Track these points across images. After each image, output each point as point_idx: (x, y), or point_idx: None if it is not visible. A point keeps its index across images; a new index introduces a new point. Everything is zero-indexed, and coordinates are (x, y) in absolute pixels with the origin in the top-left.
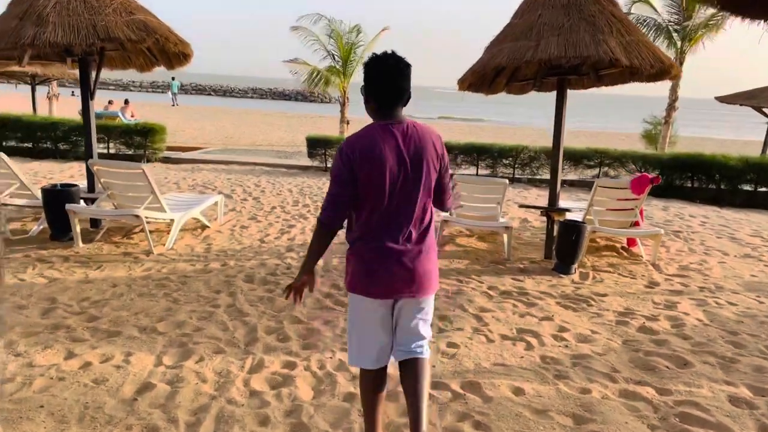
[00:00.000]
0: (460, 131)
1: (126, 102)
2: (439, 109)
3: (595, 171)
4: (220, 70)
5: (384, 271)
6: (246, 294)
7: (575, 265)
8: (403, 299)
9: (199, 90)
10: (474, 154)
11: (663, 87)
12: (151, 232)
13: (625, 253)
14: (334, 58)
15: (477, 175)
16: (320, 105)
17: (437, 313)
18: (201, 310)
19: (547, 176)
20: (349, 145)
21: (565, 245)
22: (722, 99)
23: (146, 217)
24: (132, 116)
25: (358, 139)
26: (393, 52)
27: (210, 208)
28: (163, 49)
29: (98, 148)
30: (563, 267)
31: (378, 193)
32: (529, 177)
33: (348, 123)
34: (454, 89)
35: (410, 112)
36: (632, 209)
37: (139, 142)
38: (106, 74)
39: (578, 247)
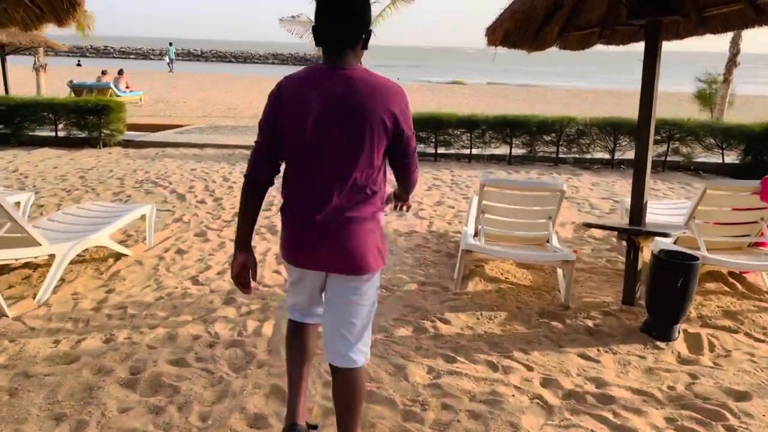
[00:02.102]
0: (474, 96)
1: (120, 72)
2: (453, 72)
3: (662, 147)
4: (245, 36)
5: (307, 242)
6: (107, 424)
7: (679, 325)
8: (330, 276)
9: (220, 57)
10: (507, 129)
11: (708, 41)
12: (36, 267)
13: (738, 285)
14: None
15: (510, 156)
16: None
17: None
18: None
19: (601, 155)
20: (278, 87)
21: (663, 294)
22: None
23: None
24: (127, 88)
25: (288, 81)
26: None
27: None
28: None
29: (45, 131)
30: (661, 329)
31: (300, 148)
32: (577, 157)
33: None
34: (480, 49)
35: (418, 76)
36: (755, 222)
37: (92, 122)
38: (123, 41)
39: (686, 297)
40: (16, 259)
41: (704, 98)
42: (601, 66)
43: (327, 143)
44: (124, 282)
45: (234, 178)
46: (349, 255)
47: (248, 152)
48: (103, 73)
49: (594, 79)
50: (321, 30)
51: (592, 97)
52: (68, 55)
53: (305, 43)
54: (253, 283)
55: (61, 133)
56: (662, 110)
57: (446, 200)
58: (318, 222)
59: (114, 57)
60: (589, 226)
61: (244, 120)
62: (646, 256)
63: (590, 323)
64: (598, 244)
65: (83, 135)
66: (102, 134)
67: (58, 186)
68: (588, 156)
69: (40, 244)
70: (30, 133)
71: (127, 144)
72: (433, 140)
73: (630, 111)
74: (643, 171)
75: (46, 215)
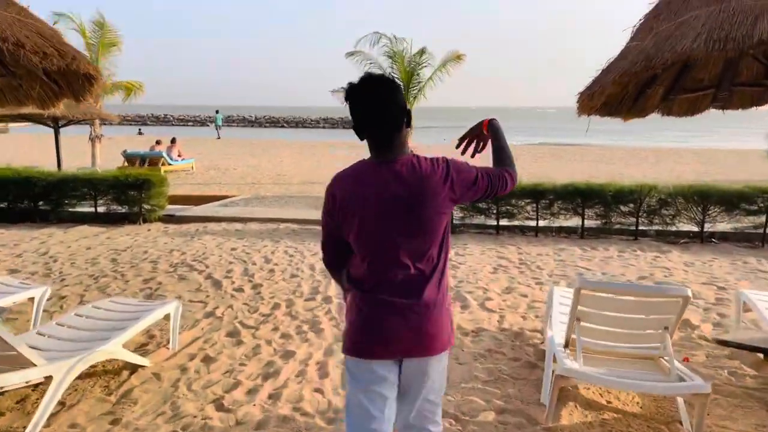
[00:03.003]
0: (526, 155)
1: (173, 141)
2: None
3: (759, 218)
4: (295, 102)
5: (380, 327)
6: None
7: None
8: (407, 361)
9: (273, 122)
10: (578, 198)
11: None
12: (37, 385)
13: None
14: None
15: (582, 229)
16: None
17: None
18: None
19: (687, 227)
20: (332, 187)
21: None
22: None
23: None
24: (179, 156)
25: (341, 180)
26: (370, 75)
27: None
28: (63, 72)
29: (85, 206)
30: None
31: (365, 241)
32: (659, 229)
33: (412, 152)
34: (524, 108)
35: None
36: None
37: (132, 197)
38: (181, 109)
39: None
40: (2, 388)
41: None
42: (646, 123)
43: (386, 237)
44: (134, 407)
45: (276, 259)
46: (424, 337)
47: (294, 226)
48: (158, 142)
49: (646, 136)
50: (363, 128)
51: (651, 157)
52: (130, 124)
53: None
54: None
55: (101, 209)
56: (747, 171)
57: (517, 286)
58: (396, 307)
59: (173, 124)
60: (724, 344)
61: (292, 187)
62: None
63: None
64: (712, 348)
65: (123, 210)
66: (142, 209)
67: (86, 272)
68: (672, 228)
69: (35, 365)
70: (70, 210)
71: (169, 219)
72: (495, 211)
73: (696, 171)
74: None
75: (56, 318)
